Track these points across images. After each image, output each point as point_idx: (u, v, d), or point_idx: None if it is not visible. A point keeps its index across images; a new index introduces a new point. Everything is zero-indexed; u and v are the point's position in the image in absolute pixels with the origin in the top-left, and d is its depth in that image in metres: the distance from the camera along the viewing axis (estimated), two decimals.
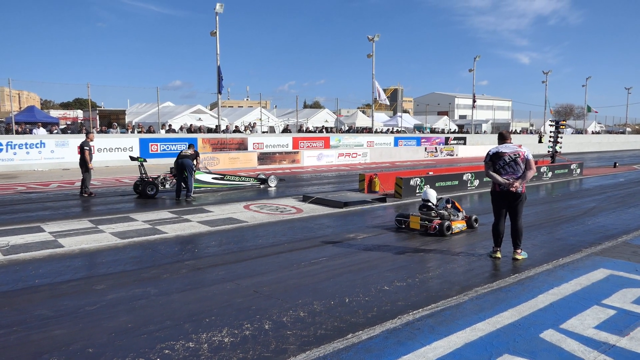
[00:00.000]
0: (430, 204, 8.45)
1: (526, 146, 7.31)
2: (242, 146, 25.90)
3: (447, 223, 8.01)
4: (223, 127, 28.10)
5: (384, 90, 38.82)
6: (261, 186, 14.36)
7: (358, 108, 58.61)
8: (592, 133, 61.15)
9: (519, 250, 6.68)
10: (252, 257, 6.75)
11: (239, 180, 14.11)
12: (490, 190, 6.87)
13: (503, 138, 6.90)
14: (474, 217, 8.66)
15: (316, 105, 75.05)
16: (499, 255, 6.69)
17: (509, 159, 6.57)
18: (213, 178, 13.45)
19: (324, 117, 41.83)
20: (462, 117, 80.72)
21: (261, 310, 4.73)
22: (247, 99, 79.19)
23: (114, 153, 21.54)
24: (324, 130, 35.76)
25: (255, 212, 10.21)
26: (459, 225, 8.31)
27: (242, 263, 6.47)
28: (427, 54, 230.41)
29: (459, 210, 8.66)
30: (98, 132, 23.12)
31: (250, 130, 31.64)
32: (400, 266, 6.31)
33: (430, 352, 3.83)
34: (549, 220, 9.71)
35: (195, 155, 12.52)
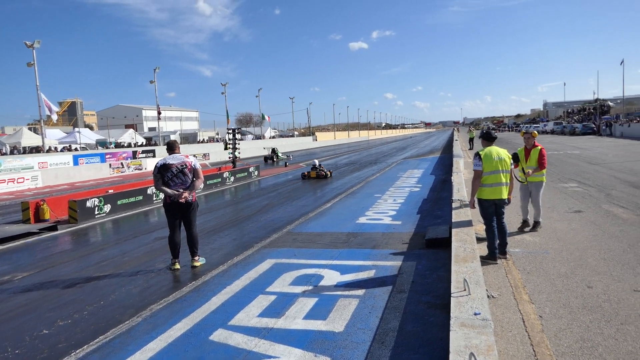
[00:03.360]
0: (316, 166, 18.96)
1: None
2: None
3: (327, 172, 18.74)
4: None
5: (59, 104, 34.70)
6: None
7: (28, 125, 50.78)
8: (270, 138, 69.68)
9: (196, 258, 6.89)
10: None
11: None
12: (162, 203, 6.88)
13: (171, 149, 7.00)
14: (332, 170, 19.99)
15: None
16: (177, 266, 6.75)
17: (176, 170, 6.69)
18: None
19: None
20: (152, 129, 79.90)
21: None
22: None
23: None
24: None
25: None
26: (329, 174, 18.86)
27: None
28: (110, 65, 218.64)
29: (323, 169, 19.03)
30: None
31: None
32: (67, 301, 5.63)
33: None
34: (229, 222, 10.44)
35: None
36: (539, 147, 7.83)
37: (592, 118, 68.88)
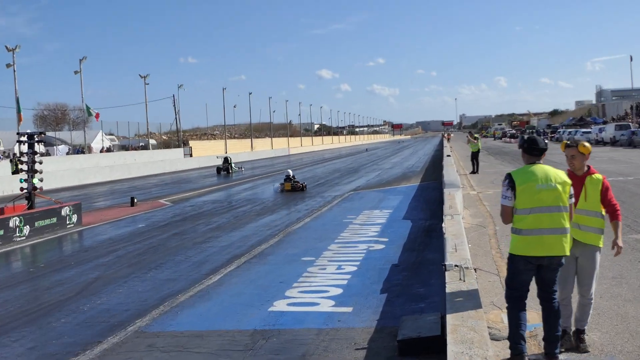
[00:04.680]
0: (291, 177, 32.77)
1: None
2: None
3: (302, 185, 32.20)
4: None
5: None
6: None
7: None
8: (103, 151, 68.45)
9: None
10: None
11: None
12: None
13: None
14: (305, 183, 33.17)
15: None
16: None
17: None
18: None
19: None
20: None
21: None
22: None
23: None
24: None
25: None
26: (304, 187, 32.17)
27: None
28: None
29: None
30: None
31: None
32: None
33: None
34: (21, 315, 10.05)
35: None
36: (600, 177, 7.15)
37: None
